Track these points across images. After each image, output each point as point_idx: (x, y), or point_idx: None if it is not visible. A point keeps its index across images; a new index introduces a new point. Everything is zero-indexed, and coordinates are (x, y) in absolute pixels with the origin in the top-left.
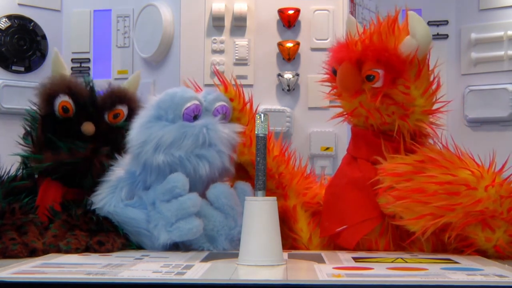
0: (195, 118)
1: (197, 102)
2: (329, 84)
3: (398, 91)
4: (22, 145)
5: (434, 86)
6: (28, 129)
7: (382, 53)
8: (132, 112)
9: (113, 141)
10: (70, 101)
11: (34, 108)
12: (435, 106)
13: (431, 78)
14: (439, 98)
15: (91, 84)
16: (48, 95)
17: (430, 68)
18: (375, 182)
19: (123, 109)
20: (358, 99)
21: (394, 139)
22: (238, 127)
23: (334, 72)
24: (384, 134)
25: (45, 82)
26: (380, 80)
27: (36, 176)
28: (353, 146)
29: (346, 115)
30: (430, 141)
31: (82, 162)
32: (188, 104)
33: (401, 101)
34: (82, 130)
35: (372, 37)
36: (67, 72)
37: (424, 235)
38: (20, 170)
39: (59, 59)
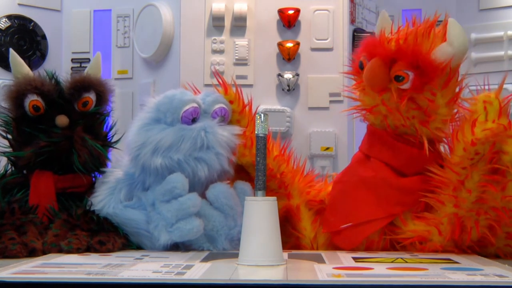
0: (194, 121)
1: (195, 105)
2: (352, 76)
3: (424, 97)
4: (2, 151)
5: (460, 99)
6: (3, 134)
7: (416, 56)
8: (101, 96)
9: (89, 127)
10: (39, 99)
11: (5, 112)
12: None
13: (457, 89)
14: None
15: (55, 76)
16: (16, 98)
17: (459, 79)
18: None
19: (90, 96)
20: (382, 96)
21: (410, 143)
22: (237, 129)
23: (360, 66)
24: (400, 136)
25: (10, 85)
26: (409, 83)
27: (25, 171)
28: (367, 144)
29: (365, 111)
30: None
31: (62, 141)
32: (187, 107)
33: (425, 107)
34: (57, 123)
35: (408, 37)
36: (27, 69)
37: None
38: (9, 166)
39: (17, 59)
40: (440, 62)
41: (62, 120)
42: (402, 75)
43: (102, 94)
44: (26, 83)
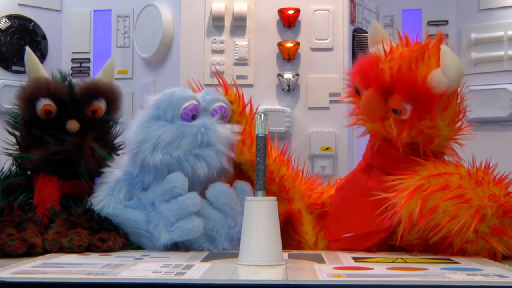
0: (193, 118)
1: (195, 102)
2: (350, 99)
3: (424, 125)
4: (7, 148)
5: (461, 116)
6: (11, 130)
7: (412, 88)
8: (112, 103)
9: (98, 133)
10: (52, 103)
11: (16, 110)
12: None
13: (460, 107)
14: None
15: (68, 79)
16: (29, 100)
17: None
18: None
19: (100, 104)
20: (384, 123)
21: (414, 153)
22: (237, 127)
23: (357, 91)
24: (405, 147)
25: (24, 86)
26: (407, 115)
27: (29, 173)
28: (371, 154)
29: (367, 131)
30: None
31: (72, 150)
32: (186, 104)
33: (426, 132)
34: (67, 128)
35: (401, 66)
36: (42, 69)
37: (467, 232)
38: (13, 167)
39: (33, 58)
40: (437, 92)
41: (73, 125)
42: (399, 108)
43: (112, 101)
44: (40, 85)
